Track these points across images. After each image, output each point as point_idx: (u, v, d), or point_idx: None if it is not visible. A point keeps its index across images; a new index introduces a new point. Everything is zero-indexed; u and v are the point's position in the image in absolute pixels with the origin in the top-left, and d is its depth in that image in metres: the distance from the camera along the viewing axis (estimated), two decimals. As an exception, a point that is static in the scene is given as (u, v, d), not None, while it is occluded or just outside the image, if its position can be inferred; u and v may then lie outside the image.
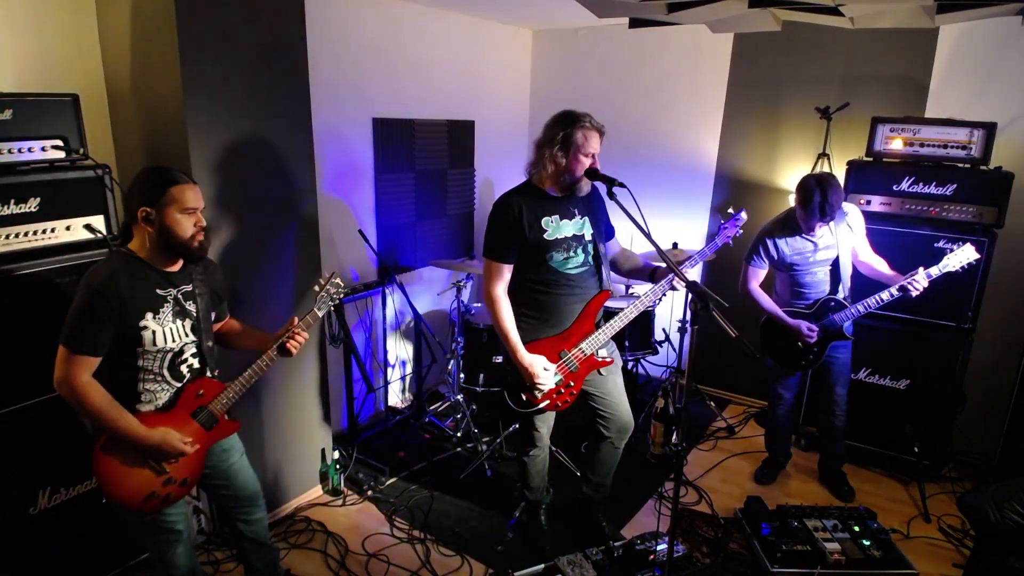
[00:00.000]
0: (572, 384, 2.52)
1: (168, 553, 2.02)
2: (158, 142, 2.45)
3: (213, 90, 2.37)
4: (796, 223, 2.91)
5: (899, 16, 2.95)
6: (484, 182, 4.61)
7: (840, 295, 2.97)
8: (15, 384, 2.09)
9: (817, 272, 2.99)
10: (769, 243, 2.98)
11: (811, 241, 2.92)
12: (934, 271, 2.73)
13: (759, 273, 3.07)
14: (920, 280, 2.72)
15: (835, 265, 2.96)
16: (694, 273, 4.35)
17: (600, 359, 2.54)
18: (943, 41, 3.40)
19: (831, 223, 2.87)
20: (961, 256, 2.72)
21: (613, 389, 2.63)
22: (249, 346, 2.16)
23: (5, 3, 2.26)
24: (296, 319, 2.08)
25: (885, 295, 2.82)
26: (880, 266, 2.95)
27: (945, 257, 2.74)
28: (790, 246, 2.95)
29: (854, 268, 3.03)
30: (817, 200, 2.72)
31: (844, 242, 2.94)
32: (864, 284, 2.98)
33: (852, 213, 2.98)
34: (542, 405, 2.51)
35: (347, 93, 3.48)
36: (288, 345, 2.05)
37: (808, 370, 3.14)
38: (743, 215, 2.61)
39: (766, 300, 3.06)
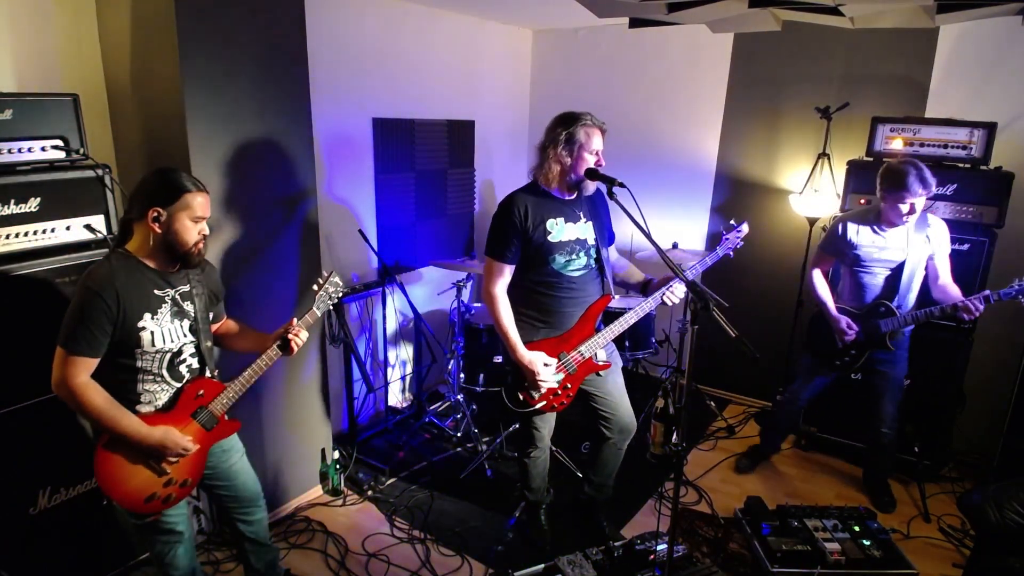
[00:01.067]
0: (569, 386, 2.52)
1: (169, 554, 2.02)
2: (158, 142, 2.45)
3: (213, 90, 2.37)
4: (876, 215, 2.86)
5: (899, 16, 2.95)
6: (484, 182, 4.61)
7: (894, 303, 2.86)
8: (15, 384, 2.09)
9: (877, 273, 2.90)
10: (840, 226, 2.93)
11: (881, 236, 2.85)
12: (994, 296, 2.63)
13: (824, 260, 3.06)
14: (979, 304, 2.62)
15: (898, 272, 2.86)
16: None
17: (598, 362, 2.54)
18: (943, 41, 3.40)
19: (910, 229, 2.80)
20: None
21: (613, 389, 2.63)
22: (247, 347, 2.15)
23: (5, 3, 2.26)
24: (295, 320, 2.07)
25: (936, 311, 2.73)
26: (954, 292, 2.79)
27: (1014, 283, 2.60)
28: (860, 235, 2.88)
29: (927, 290, 2.90)
30: (914, 173, 2.63)
31: (916, 250, 2.81)
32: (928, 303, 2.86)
33: (935, 226, 2.83)
34: (538, 406, 2.51)
35: (347, 93, 3.48)
36: (291, 342, 2.04)
37: (839, 372, 3.07)
38: (744, 227, 2.57)
39: (820, 287, 3.04)
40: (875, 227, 2.87)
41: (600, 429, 2.67)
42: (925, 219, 2.82)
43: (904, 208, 2.71)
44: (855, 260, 2.94)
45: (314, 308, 2.11)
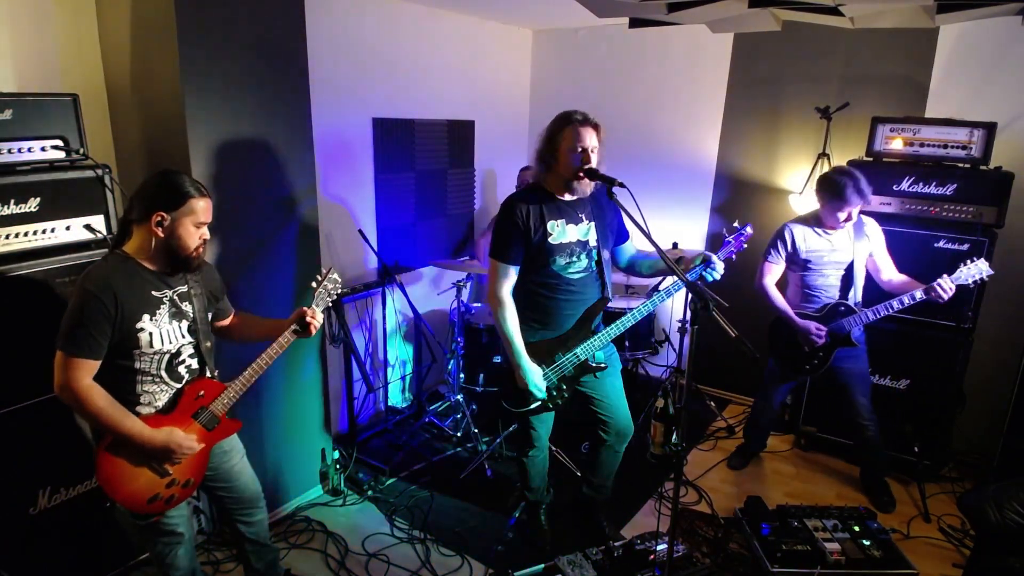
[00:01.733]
0: (565, 387, 2.52)
1: (169, 555, 2.02)
2: (158, 142, 2.45)
3: (213, 90, 2.37)
4: (816, 219, 2.97)
5: (899, 16, 2.95)
6: (484, 182, 4.61)
7: (851, 301, 2.96)
8: (15, 384, 2.09)
9: (829, 275, 2.99)
10: (787, 234, 3.00)
11: (828, 240, 2.95)
12: (953, 279, 2.70)
13: (774, 269, 3.08)
14: (947, 285, 2.68)
15: (848, 271, 2.96)
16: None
17: (595, 363, 2.53)
18: (943, 41, 3.40)
19: (850, 229, 2.92)
20: (973, 269, 2.68)
21: (611, 392, 2.62)
22: (262, 335, 2.12)
23: (5, 3, 2.26)
24: (305, 309, 2.05)
25: (895, 303, 2.80)
26: (902, 280, 2.93)
27: (959, 269, 2.70)
28: (807, 241, 2.97)
29: (875, 283, 3.01)
30: (851, 185, 2.75)
31: (860, 250, 2.95)
32: (878, 295, 2.94)
33: (870, 225, 2.99)
34: (534, 406, 2.52)
35: (347, 93, 3.48)
36: (310, 324, 2.01)
37: (809, 376, 3.13)
38: (749, 229, 2.51)
39: (778, 298, 3.06)
40: (818, 230, 2.97)
41: (598, 432, 2.67)
42: (860, 221, 2.95)
43: (842, 216, 2.85)
44: (806, 264, 3.00)
45: (313, 305, 2.11)
